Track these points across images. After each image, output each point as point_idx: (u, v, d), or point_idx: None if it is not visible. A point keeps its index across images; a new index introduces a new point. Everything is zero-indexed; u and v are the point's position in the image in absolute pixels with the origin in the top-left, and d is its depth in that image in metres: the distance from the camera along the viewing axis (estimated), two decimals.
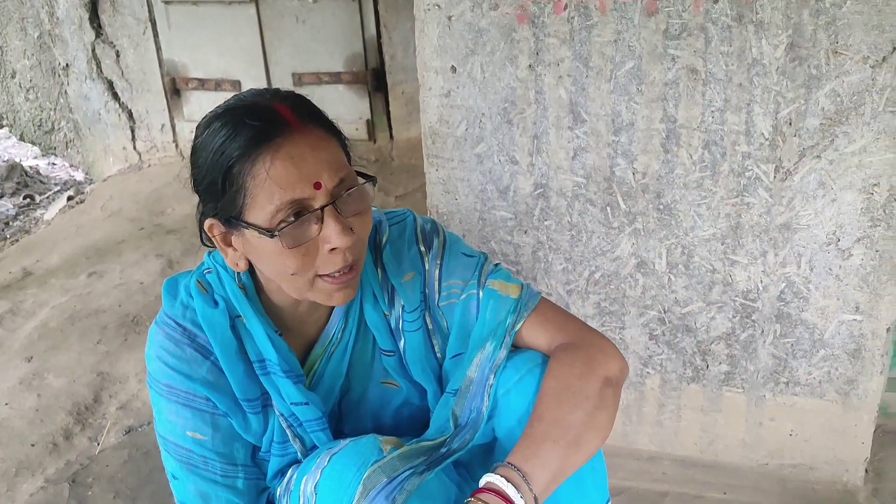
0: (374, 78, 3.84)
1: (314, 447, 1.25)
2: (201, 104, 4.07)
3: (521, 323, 1.23)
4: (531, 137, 1.68)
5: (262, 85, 3.94)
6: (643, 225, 1.70)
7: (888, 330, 1.67)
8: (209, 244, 1.24)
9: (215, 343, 1.17)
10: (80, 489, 2.08)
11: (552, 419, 1.11)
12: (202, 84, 4.03)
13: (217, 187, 1.07)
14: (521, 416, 1.19)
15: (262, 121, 1.05)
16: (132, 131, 4.12)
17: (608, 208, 1.70)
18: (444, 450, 1.18)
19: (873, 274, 1.62)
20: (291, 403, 1.21)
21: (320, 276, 1.11)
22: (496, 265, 1.30)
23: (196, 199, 1.18)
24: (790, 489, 1.88)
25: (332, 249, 1.08)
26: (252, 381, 1.20)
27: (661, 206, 1.67)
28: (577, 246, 1.76)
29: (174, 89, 4.09)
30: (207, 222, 1.12)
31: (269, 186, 1.03)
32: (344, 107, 3.85)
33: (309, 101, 1.13)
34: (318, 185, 1.05)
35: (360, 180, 1.12)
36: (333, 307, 1.25)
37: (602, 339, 1.23)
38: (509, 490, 1.04)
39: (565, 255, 1.77)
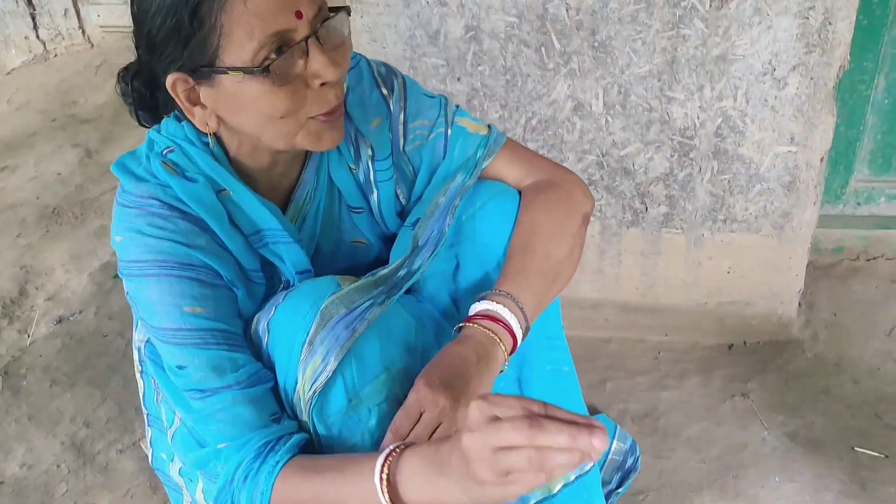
0: None
1: None
2: None
3: (493, 157, 1.21)
4: None
5: None
6: (579, 65, 1.64)
7: (821, 160, 1.68)
8: (146, 123, 1.12)
9: (209, 217, 1.04)
10: (14, 380, 2.01)
11: (543, 253, 1.13)
12: None
13: (183, 32, 0.94)
14: (486, 240, 1.19)
15: None
16: (33, 19, 3.82)
17: (542, 49, 1.64)
18: (402, 272, 1.14)
19: (808, 103, 1.61)
20: (297, 272, 1.13)
21: (311, 118, 1.01)
22: (456, 105, 1.25)
23: (109, 87, 1.05)
24: (728, 326, 1.93)
25: (323, 84, 0.99)
26: (251, 254, 1.11)
27: (597, 44, 1.62)
28: (513, 91, 1.70)
29: None
30: (171, 78, 0.98)
31: (247, 20, 0.92)
32: None
33: None
34: (299, 14, 0.94)
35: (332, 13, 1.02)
36: (304, 166, 1.16)
37: (575, 176, 1.24)
38: (509, 317, 1.05)
39: (500, 102, 1.72)
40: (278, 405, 1.06)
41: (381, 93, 1.19)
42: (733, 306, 1.89)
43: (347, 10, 1.02)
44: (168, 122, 1.09)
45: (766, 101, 1.62)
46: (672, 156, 1.71)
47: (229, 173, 1.07)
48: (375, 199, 1.21)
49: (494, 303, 1.06)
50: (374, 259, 1.28)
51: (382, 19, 1.66)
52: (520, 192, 1.22)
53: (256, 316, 1.09)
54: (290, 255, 1.12)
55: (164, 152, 1.06)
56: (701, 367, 1.89)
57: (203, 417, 1.05)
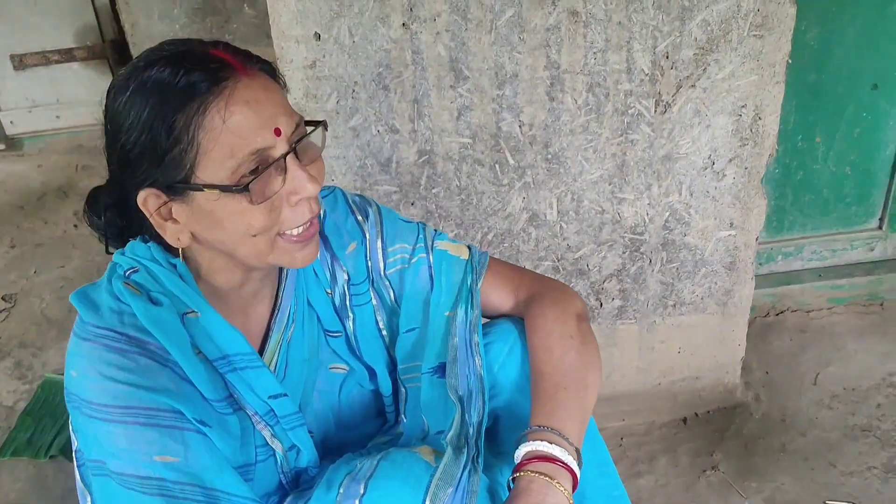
0: (115, 51, 3.36)
1: (293, 447, 1.10)
2: None
3: (481, 281, 1.20)
4: (411, 102, 1.54)
5: None
6: (533, 178, 1.65)
7: (756, 239, 1.79)
8: (114, 249, 1.05)
9: (170, 345, 0.96)
10: None
11: (552, 369, 1.10)
12: None
13: (159, 148, 0.90)
14: (520, 385, 1.17)
15: (204, 65, 0.89)
16: None
17: (497, 166, 1.63)
18: (471, 430, 1.09)
19: (744, 190, 1.72)
20: (269, 397, 1.05)
21: (281, 234, 0.97)
22: (435, 229, 1.24)
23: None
24: (680, 401, 1.99)
25: (300, 200, 0.96)
26: (216, 383, 1.02)
27: (550, 156, 1.63)
28: (468, 209, 1.67)
29: None
30: (142, 194, 0.93)
31: (226, 138, 0.89)
32: (84, 89, 3.32)
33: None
34: (278, 132, 0.92)
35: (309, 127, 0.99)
36: (280, 287, 1.11)
37: (557, 282, 1.25)
38: (556, 451, 1.00)
39: (456, 221, 1.68)
40: None
41: (356, 219, 1.18)
42: (685, 382, 1.97)
43: (325, 124, 1.01)
44: (134, 244, 1.03)
45: (707, 192, 1.71)
46: (624, 252, 1.76)
47: (197, 294, 1.01)
48: (351, 324, 1.19)
49: (538, 441, 1.01)
50: (353, 385, 1.23)
51: (330, 151, 1.57)
52: None
53: None
54: (258, 381, 1.05)
55: (127, 273, 1.01)
56: (665, 446, 1.93)
57: None
